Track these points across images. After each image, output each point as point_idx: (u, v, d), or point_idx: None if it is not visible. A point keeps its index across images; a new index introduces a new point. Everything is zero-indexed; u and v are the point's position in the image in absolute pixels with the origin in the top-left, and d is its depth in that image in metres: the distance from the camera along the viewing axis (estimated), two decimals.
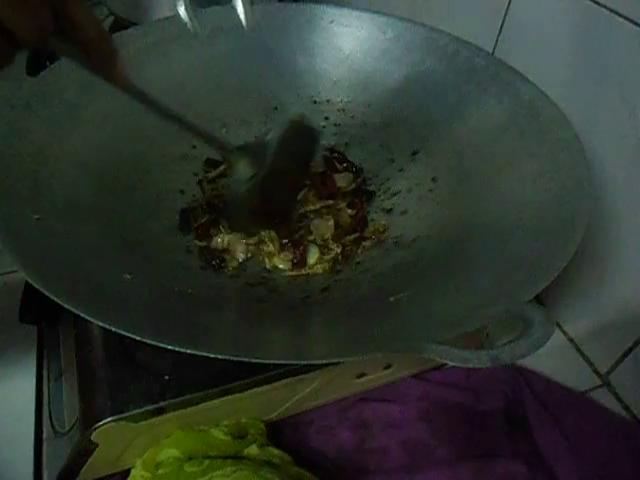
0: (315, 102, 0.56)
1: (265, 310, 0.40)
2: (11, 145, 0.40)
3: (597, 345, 0.51)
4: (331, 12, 0.55)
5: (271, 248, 0.46)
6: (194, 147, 0.52)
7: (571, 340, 0.53)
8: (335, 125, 0.56)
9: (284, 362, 0.29)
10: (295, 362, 0.29)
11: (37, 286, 0.30)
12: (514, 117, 0.45)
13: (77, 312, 0.29)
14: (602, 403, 0.47)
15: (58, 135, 0.43)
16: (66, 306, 0.29)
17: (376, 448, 0.43)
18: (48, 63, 0.46)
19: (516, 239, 0.38)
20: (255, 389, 0.38)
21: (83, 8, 0.26)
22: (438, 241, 0.44)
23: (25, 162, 0.40)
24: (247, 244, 0.46)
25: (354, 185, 0.52)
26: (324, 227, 0.48)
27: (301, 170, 0.45)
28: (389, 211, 0.50)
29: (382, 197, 0.51)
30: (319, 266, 0.45)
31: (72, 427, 0.37)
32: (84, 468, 0.37)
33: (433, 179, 0.49)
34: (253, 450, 0.38)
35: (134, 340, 0.28)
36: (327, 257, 0.46)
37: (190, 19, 0.53)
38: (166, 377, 0.37)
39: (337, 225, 0.48)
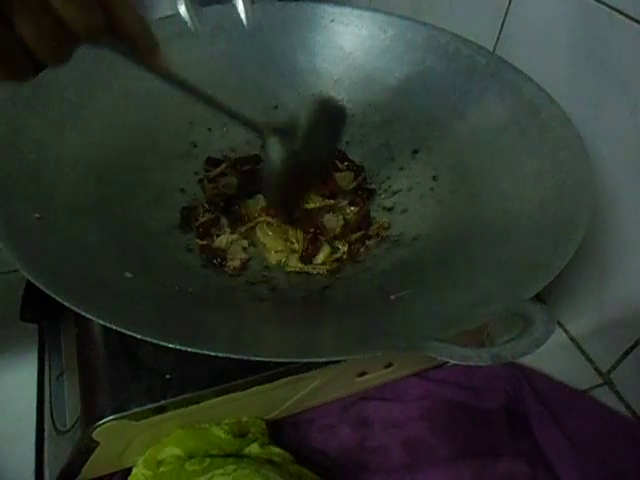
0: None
1: (266, 309, 0.40)
2: (12, 144, 0.40)
3: (598, 344, 0.51)
4: (332, 11, 0.55)
5: (296, 246, 0.46)
6: (195, 146, 0.52)
7: (572, 339, 0.53)
8: None
9: (284, 360, 0.29)
10: (296, 360, 0.29)
11: (38, 284, 0.30)
12: (515, 115, 0.45)
13: (78, 310, 0.29)
14: (603, 402, 0.47)
15: (58, 134, 0.43)
16: (67, 304, 0.29)
17: (377, 447, 0.43)
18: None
19: (517, 237, 0.38)
20: (256, 388, 0.38)
21: (128, 4, 0.28)
22: (439, 239, 0.44)
23: (25, 161, 0.40)
24: (249, 244, 0.46)
25: (355, 184, 0.52)
26: (334, 224, 0.48)
27: (330, 149, 0.46)
28: (390, 210, 0.50)
29: (383, 196, 0.51)
30: (323, 267, 0.45)
31: (73, 425, 0.37)
32: (85, 466, 0.37)
33: (434, 178, 0.49)
34: (254, 449, 0.38)
35: (135, 338, 0.28)
36: (333, 256, 0.46)
37: (190, 18, 0.53)
38: (167, 376, 0.37)
39: (344, 223, 0.49)
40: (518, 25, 0.52)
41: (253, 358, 0.28)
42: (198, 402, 0.37)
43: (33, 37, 0.25)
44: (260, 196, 0.49)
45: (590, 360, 0.51)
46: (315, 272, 0.45)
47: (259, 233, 0.48)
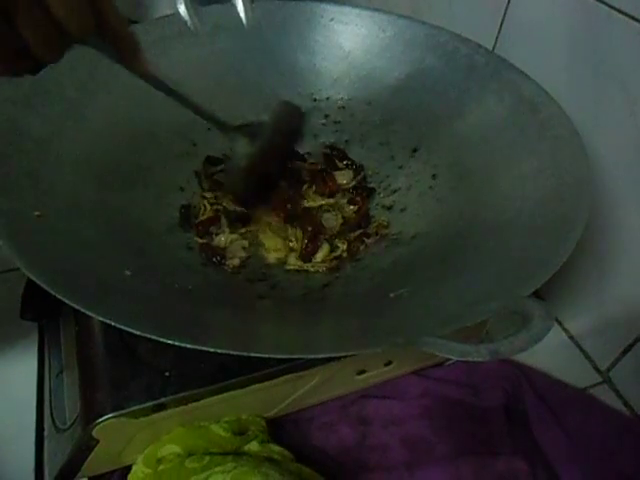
0: (315, 100, 0.56)
1: (265, 306, 0.40)
2: (12, 142, 0.40)
3: (597, 341, 0.51)
4: (331, 10, 0.55)
5: (295, 245, 0.46)
6: (194, 145, 0.52)
7: (571, 337, 0.53)
8: (335, 123, 0.56)
9: (284, 357, 0.29)
10: (295, 357, 0.30)
11: (38, 282, 0.30)
12: (514, 114, 0.45)
13: (78, 307, 0.29)
14: (602, 400, 0.47)
15: (59, 133, 0.43)
16: (67, 301, 0.29)
17: (377, 445, 0.43)
18: None
19: (515, 235, 0.38)
20: (256, 385, 0.38)
21: (114, 7, 0.31)
22: (438, 238, 0.44)
23: (26, 159, 0.40)
24: (249, 243, 0.47)
25: (354, 182, 0.52)
26: (333, 222, 0.49)
27: (290, 144, 0.50)
28: (389, 208, 0.50)
29: (382, 194, 0.51)
30: (323, 265, 0.45)
31: (73, 423, 0.37)
32: (85, 464, 0.37)
33: (433, 176, 0.49)
34: (254, 446, 0.38)
35: (134, 336, 0.28)
36: (332, 255, 0.46)
37: (190, 17, 0.53)
38: (167, 373, 0.37)
39: (343, 221, 0.49)
40: (517, 24, 0.52)
41: (252, 355, 0.28)
42: (198, 400, 0.37)
43: (33, 36, 0.27)
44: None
45: (589, 358, 0.51)
46: (314, 270, 0.45)
47: (259, 232, 0.48)
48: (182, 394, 0.36)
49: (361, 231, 0.48)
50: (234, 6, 0.54)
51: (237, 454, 0.37)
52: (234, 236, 0.47)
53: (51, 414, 0.41)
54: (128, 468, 0.38)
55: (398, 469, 0.41)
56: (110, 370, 0.38)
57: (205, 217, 0.47)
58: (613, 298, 0.48)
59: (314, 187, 0.51)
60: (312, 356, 0.29)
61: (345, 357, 0.40)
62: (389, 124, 0.54)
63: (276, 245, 0.46)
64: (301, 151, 0.54)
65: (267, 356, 0.28)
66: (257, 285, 0.43)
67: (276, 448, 0.39)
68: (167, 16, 0.53)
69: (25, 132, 0.41)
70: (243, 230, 0.48)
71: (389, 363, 0.44)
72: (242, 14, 0.54)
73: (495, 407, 0.46)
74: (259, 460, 0.37)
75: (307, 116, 0.45)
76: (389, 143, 0.54)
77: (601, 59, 0.44)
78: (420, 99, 0.52)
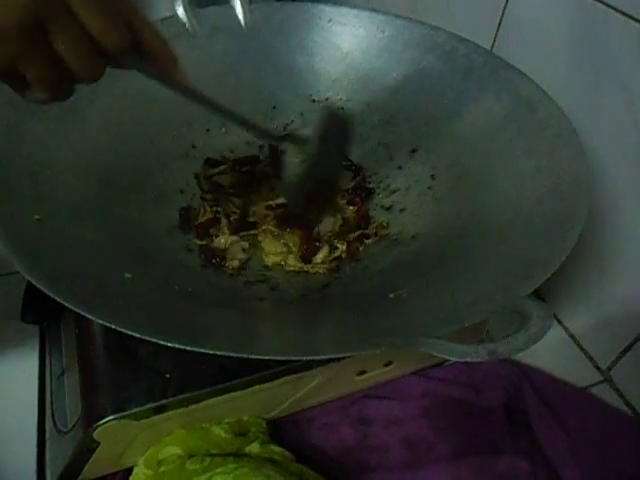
0: (314, 101, 0.56)
1: (265, 307, 0.40)
2: (12, 145, 0.40)
3: (598, 340, 0.51)
4: (329, 11, 0.55)
5: (293, 249, 0.46)
6: (194, 147, 0.53)
7: (572, 336, 0.53)
8: None
9: (284, 358, 0.29)
10: (295, 358, 0.29)
11: (38, 285, 0.30)
12: (512, 114, 0.45)
13: (78, 310, 0.29)
14: (603, 399, 0.47)
15: (59, 136, 0.43)
16: (67, 305, 0.29)
17: (377, 445, 0.43)
18: None
19: (514, 235, 0.38)
20: (256, 387, 0.38)
21: (148, 23, 0.30)
22: (437, 238, 0.44)
23: (26, 163, 0.40)
24: (248, 245, 0.47)
25: (353, 183, 0.52)
26: (331, 224, 0.49)
27: (342, 155, 0.48)
28: (388, 209, 0.50)
29: (381, 195, 0.51)
30: (322, 266, 0.45)
31: (74, 425, 0.37)
32: (86, 466, 0.37)
33: (432, 176, 0.49)
34: (254, 448, 0.38)
35: (135, 338, 0.28)
36: (332, 255, 0.46)
37: (188, 19, 0.53)
38: (167, 375, 0.37)
39: (342, 222, 0.49)
40: (515, 24, 0.52)
41: (253, 356, 0.28)
42: (198, 401, 0.37)
43: (69, 53, 0.27)
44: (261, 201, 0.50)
45: (589, 357, 0.51)
46: (314, 271, 0.45)
47: (258, 236, 0.48)
48: (183, 396, 0.37)
49: (360, 232, 0.48)
50: (232, 8, 0.54)
51: (238, 455, 0.37)
52: (234, 238, 0.47)
53: (52, 416, 0.41)
54: (129, 470, 0.38)
55: (399, 469, 0.42)
56: (111, 372, 0.38)
57: (205, 219, 0.48)
58: (613, 297, 0.48)
59: None
60: (312, 358, 0.29)
61: (345, 358, 0.40)
62: (388, 125, 0.54)
63: (275, 249, 0.46)
64: None
65: (267, 358, 0.28)
66: (257, 286, 0.43)
67: (277, 449, 0.39)
68: (165, 18, 0.53)
69: (25, 135, 0.41)
70: (244, 234, 0.48)
71: (389, 363, 0.44)
72: (240, 16, 0.54)
73: (495, 407, 0.46)
74: (260, 461, 0.37)
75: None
76: (388, 144, 0.54)
77: (599, 58, 0.44)
78: (419, 99, 0.52)
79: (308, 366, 0.39)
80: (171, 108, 0.50)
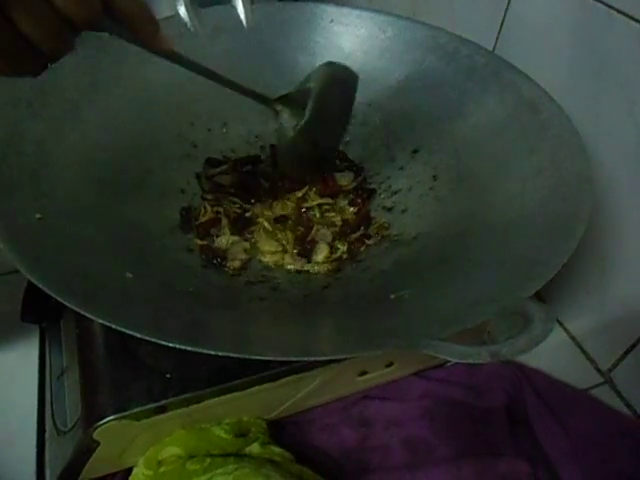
0: None
1: (266, 308, 0.40)
2: (12, 144, 0.40)
3: (599, 342, 0.51)
4: (331, 11, 0.55)
5: (288, 248, 0.46)
6: (195, 146, 0.52)
7: (573, 337, 0.53)
8: None
9: (285, 359, 0.29)
10: (296, 359, 0.29)
11: (39, 285, 0.30)
12: (514, 114, 0.45)
13: (79, 310, 0.29)
14: (604, 400, 0.47)
15: (59, 134, 0.43)
16: (67, 304, 0.29)
17: (378, 446, 0.43)
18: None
19: (516, 236, 0.38)
20: (257, 387, 0.38)
21: None
22: (438, 238, 0.44)
23: (26, 161, 0.40)
24: (249, 245, 0.47)
25: (355, 184, 0.52)
26: (331, 224, 0.49)
27: (343, 115, 0.45)
28: (390, 209, 0.50)
29: (383, 195, 0.51)
30: (323, 266, 0.45)
31: (74, 425, 0.37)
32: (86, 466, 0.37)
33: (433, 177, 0.49)
34: (255, 448, 0.38)
35: (135, 338, 0.28)
36: (333, 256, 0.46)
37: (190, 19, 0.53)
38: (168, 375, 0.37)
39: (343, 223, 0.49)
40: (517, 25, 0.52)
41: (254, 357, 0.28)
42: (199, 402, 0.37)
43: (33, 29, 0.25)
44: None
45: (590, 359, 0.51)
46: (315, 271, 0.45)
47: (256, 235, 0.48)
48: (183, 396, 0.36)
49: (362, 232, 0.48)
50: (234, 8, 0.54)
51: (238, 456, 0.37)
52: (235, 238, 0.47)
53: (52, 416, 0.41)
54: (129, 470, 0.38)
55: (399, 470, 0.41)
56: (111, 372, 0.38)
57: (205, 219, 0.47)
58: (614, 298, 0.48)
59: (314, 189, 0.51)
60: (313, 358, 0.29)
61: (346, 359, 0.40)
62: (389, 125, 0.54)
63: (270, 248, 0.46)
64: None
65: (268, 358, 0.28)
66: (258, 287, 0.43)
67: (277, 450, 0.39)
68: (167, 18, 0.53)
69: (26, 134, 0.41)
70: (244, 233, 0.48)
71: (390, 364, 0.44)
72: (242, 16, 0.54)
73: (496, 408, 0.45)
74: (260, 462, 0.37)
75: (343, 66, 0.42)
76: (389, 144, 0.54)
77: (601, 59, 0.44)
78: (420, 100, 0.52)
79: (309, 367, 0.39)
80: (172, 108, 0.50)
